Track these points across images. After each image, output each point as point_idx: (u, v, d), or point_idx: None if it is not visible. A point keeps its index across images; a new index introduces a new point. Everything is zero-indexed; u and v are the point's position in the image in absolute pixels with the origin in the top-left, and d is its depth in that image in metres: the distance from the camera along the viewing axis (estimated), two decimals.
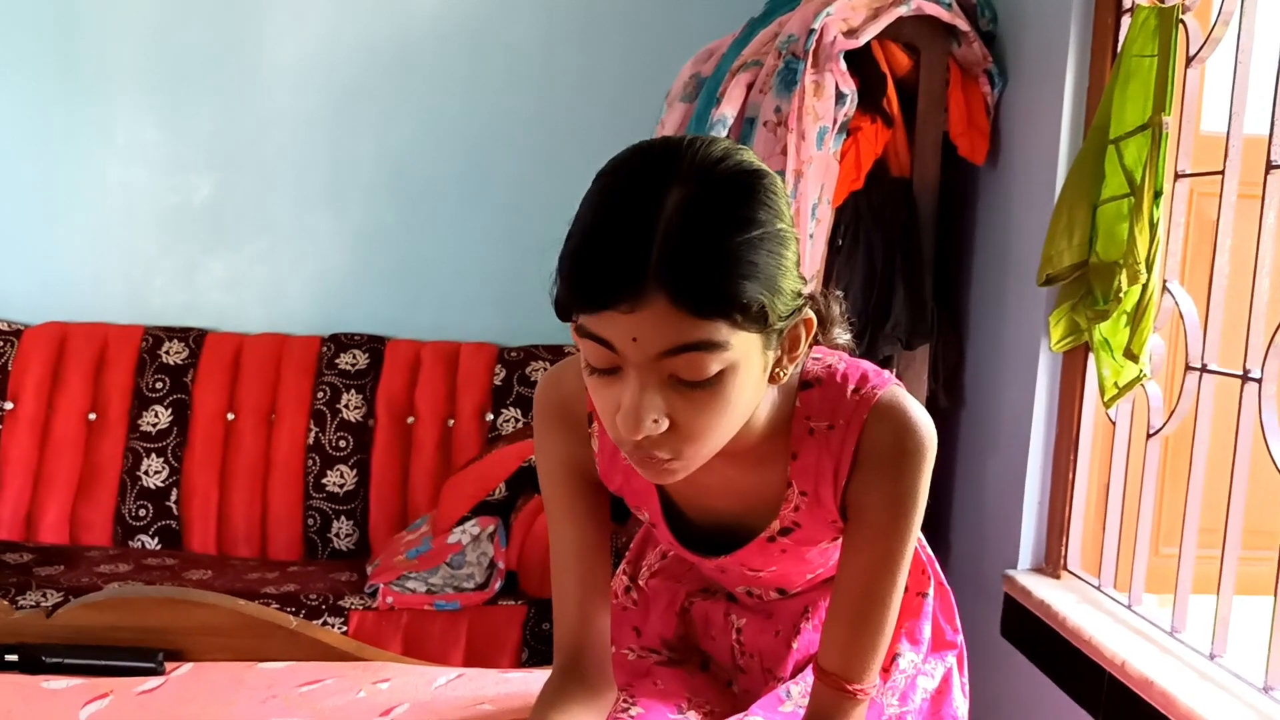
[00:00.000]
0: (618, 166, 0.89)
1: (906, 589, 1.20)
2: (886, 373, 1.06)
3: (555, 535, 1.14)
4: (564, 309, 0.87)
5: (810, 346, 0.98)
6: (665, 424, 0.88)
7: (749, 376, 0.89)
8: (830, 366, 1.04)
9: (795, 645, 1.20)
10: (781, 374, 0.94)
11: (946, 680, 1.25)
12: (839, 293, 1.08)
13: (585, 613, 1.13)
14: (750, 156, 0.90)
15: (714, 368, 0.85)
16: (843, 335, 1.06)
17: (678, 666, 1.24)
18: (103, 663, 1.53)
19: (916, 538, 1.07)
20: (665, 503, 1.13)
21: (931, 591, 1.26)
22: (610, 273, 0.83)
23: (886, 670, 1.19)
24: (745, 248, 0.84)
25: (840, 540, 1.08)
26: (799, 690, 1.16)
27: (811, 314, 0.94)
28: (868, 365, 1.06)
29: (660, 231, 0.82)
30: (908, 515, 1.02)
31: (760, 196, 0.86)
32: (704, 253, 0.82)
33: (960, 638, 1.29)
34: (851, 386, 1.02)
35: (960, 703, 1.25)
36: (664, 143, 0.89)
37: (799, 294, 0.91)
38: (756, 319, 0.85)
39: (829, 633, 1.07)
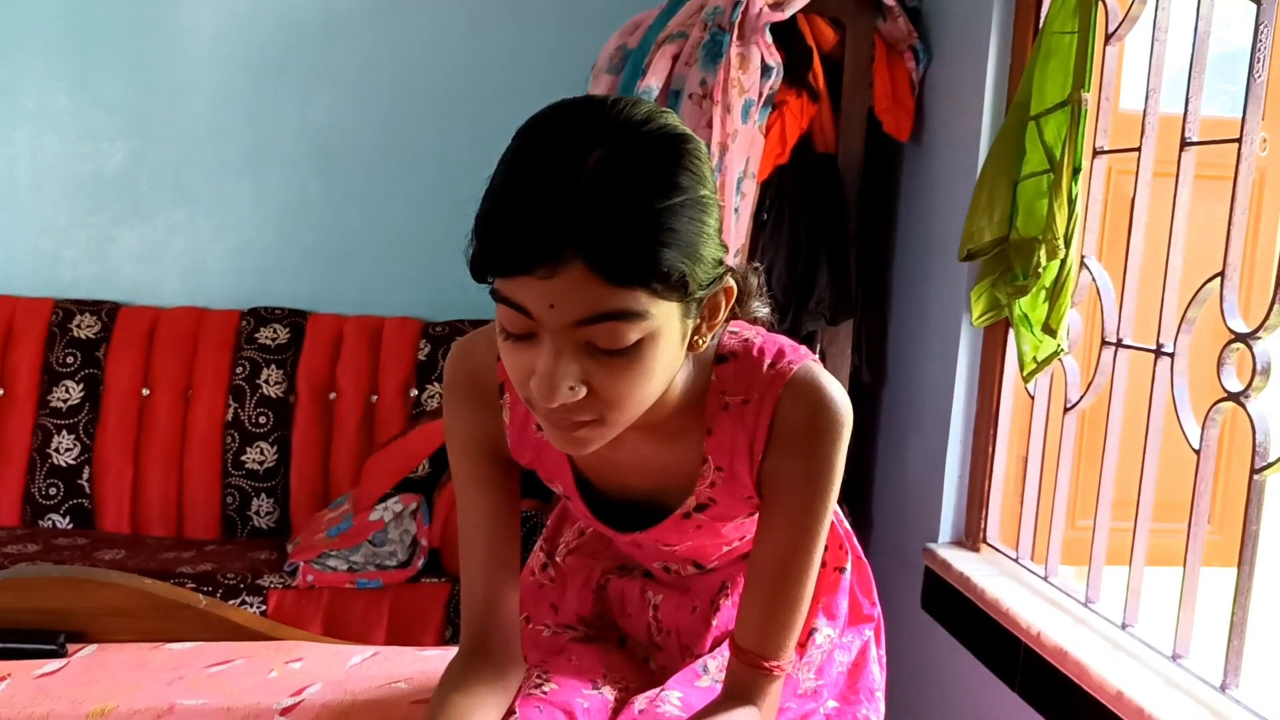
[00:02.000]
0: (537, 123, 0.85)
1: (824, 564, 1.20)
2: (803, 348, 1.05)
3: (463, 512, 1.11)
4: (479, 270, 0.84)
5: (729, 317, 0.96)
6: (582, 391, 0.85)
7: (668, 344, 0.87)
8: (747, 341, 1.03)
9: (714, 622, 1.19)
10: (700, 342, 0.92)
11: (863, 653, 1.25)
12: (758, 265, 1.07)
13: (492, 591, 1.10)
14: (675, 120, 0.87)
15: (632, 337, 0.83)
16: (761, 309, 1.05)
17: (593, 643, 1.23)
18: (1, 645, 1.47)
19: (832, 514, 1.06)
20: (579, 478, 1.11)
21: (849, 566, 1.26)
22: (527, 236, 0.80)
23: (803, 645, 1.19)
24: (667, 214, 0.81)
25: (756, 516, 1.08)
26: (715, 665, 1.15)
27: (732, 283, 0.93)
28: (785, 340, 1.04)
29: (580, 194, 0.79)
30: (823, 492, 1.01)
31: (684, 161, 0.84)
32: (625, 218, 0.80)
33: (878, 610, 1.29)
34: (768, 361, 1.01)
35: (877, 675, 1.25)
36: (587, 101, 0.86)
37: (720, 262, 0.88)
38: (676, 288, 0.83)
39: (745, 610, 1.06)
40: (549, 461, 1.10)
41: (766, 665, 1.04)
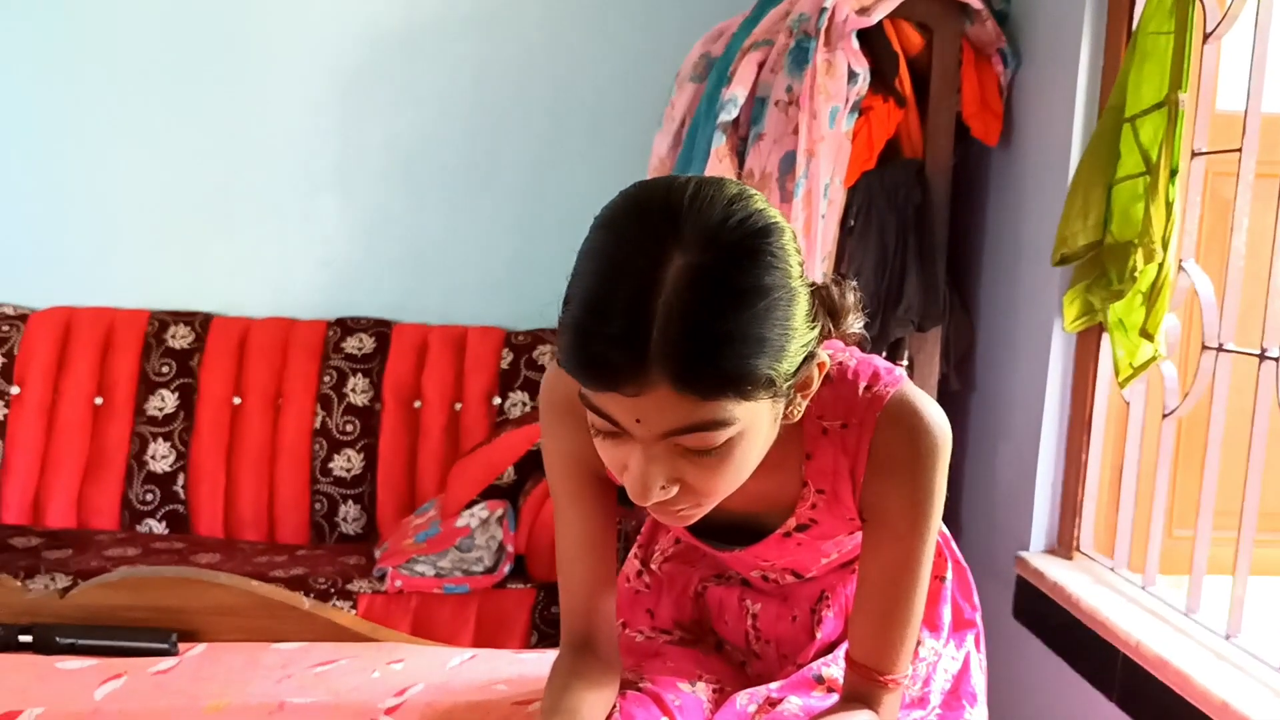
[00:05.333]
0: (613, 221, 0.84)
1: None
2: (897, 370, 1.04)
3: (562, 527, 1.12)
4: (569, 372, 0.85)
5: (824, 337, 0.95)
6: (674, 490, 0.87)
7: (758, 436, 0.88)
8: (841, 364, 1.03)
9: (818, 635, 1.19)
10: (794, 414, 0.93)
11: (966, 660, 1.25)
12: (853, 281, 1.06)
13: (593, 603, 1.12)
14: (758, 204, 0.85)
15: (721, 439, 0.84)
16: (856, 324, 1.03)
17: (691, 646, 1.24)
18: (117, 643, 1.52)
19: (937, 533, 1.06)
20: None
21: (950, 574, 1.26)
22: (611, 356, 0.80)
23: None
24: (751, 323, 0.80)
25: (856, 536, 1.08)
26: (829, 674, 1.15)
27: (824, 358, 0.92)
28: (879, 362, 1.04)
29: (660, 312, 0.78)
30: (927, 515, 1.01)
31: (766, 259, 0.82)
32: (707, 336, 0.79)
33: (979, 615, 1.29)
34: (863, 384, 1.01)
35: (979, 678, 1.25)
36: (664, 199, 0.84)
37: (808, 344, 0.87)
38: (764, 388, 0.83)
39: (856, 628, 1.07)
40: None
41: (882, 679, 1.05)
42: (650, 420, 0.82)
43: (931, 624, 1.22)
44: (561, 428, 1.09)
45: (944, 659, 1.22)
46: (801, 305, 0.86)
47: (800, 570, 1.19)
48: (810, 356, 0.88)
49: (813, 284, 0.92)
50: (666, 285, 0.79)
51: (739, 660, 1.26)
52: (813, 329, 0.88)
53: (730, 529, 1.11)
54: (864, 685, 1.06)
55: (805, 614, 1.21)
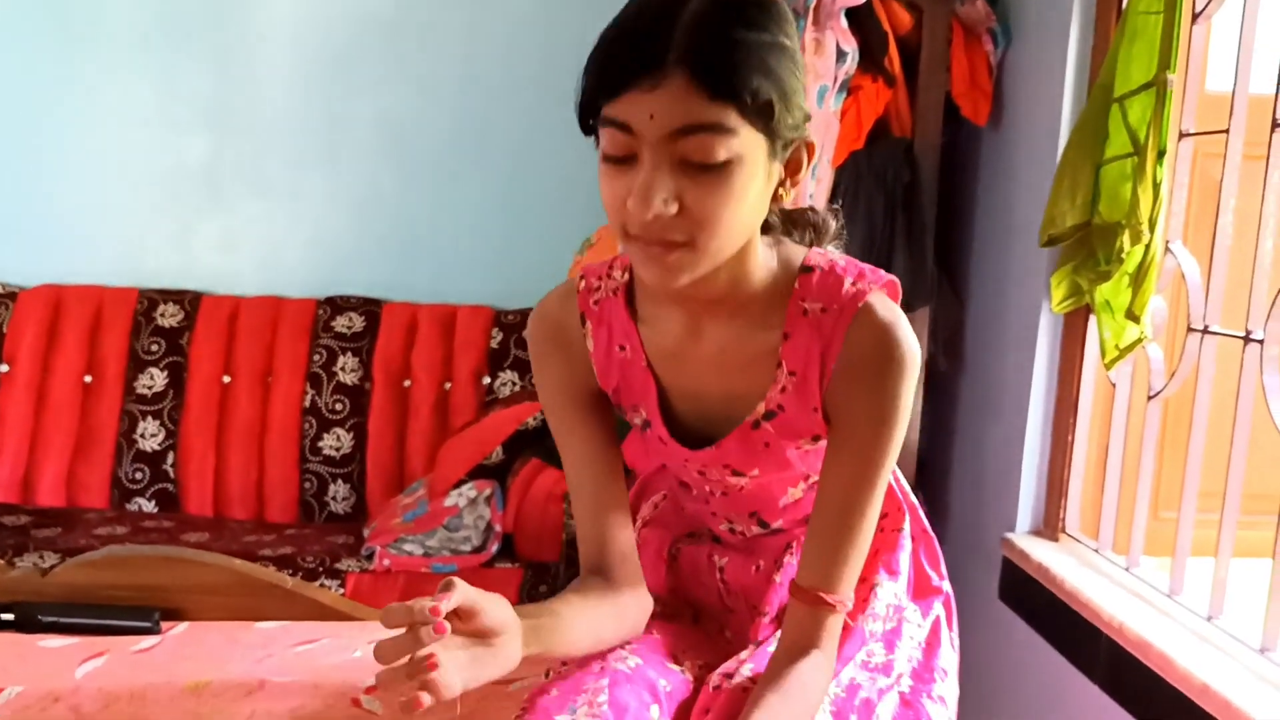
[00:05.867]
0: None
1: (881, 526, 1.21)
2: (887, 275, 1.08)
3: (566, 459, 1.16)
4: (588, 103, 0.93)
5: (797, 183, 1.02)
6: (674, 207, 0.92)
7: (754, 176, 0.94)
8: (832, 261, 1.07)
9: (778, 579, 1.20)
10: (784, 194, 1.00)
11: (935, 631, 1.25)
12: (837, 207, 1.15)
13: (602, 529, 1.13)
14: None
15: (722, 153, 0.91)
16: (835, 251, 1.10)
17: (671, 621, 1.25)
18: (99, 621, 1.52)
19: (897, 454, 1.08)
20: (660, 397, 1.14)
21: (907, 527, 1.27)
22: (634, 53, 0.90)
23: (864, 600, 1.19)
24: (760, 48, 0.91)
25: (819, 444, 1.10)
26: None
27: (814, 139, 1.00)
28: (868, 267, 1.08)
29: (684, 20, 0.89)
30: (889, 427, 1.03)
31: (778, 16, 0.93)
32: (723, 41, 0.90)
33: (947, 584, 1.29)
34: (850, 279, 1.05)
35: (950, 656, 1.25)
36: None
37: (805, 117, 0.97)
38: (764, 113, 0.91)
39: (807, 549, 1.08)
40: (633, 380, 1.13)
41: (827, 599, 1.06)
42: (663, 115, 0.90)
43: (890, 568, 1.23)
44: (552, 358, 1.15)
45: (910, 625, 1.23)
46: (801, 74, 0.96)
47: (765, 513, 1.21)
48: (802, 129, 0.97)
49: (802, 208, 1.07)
50: (691, 4, 0.91)
51: (717, 628, 1.27)
52: (805, 110, 0.98)
53: (704, 431, 1.13)
54: (806, 614, 1.06)
55: (770, 564, 1.22)
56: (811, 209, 1.10)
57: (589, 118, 0.95)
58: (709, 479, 1.18)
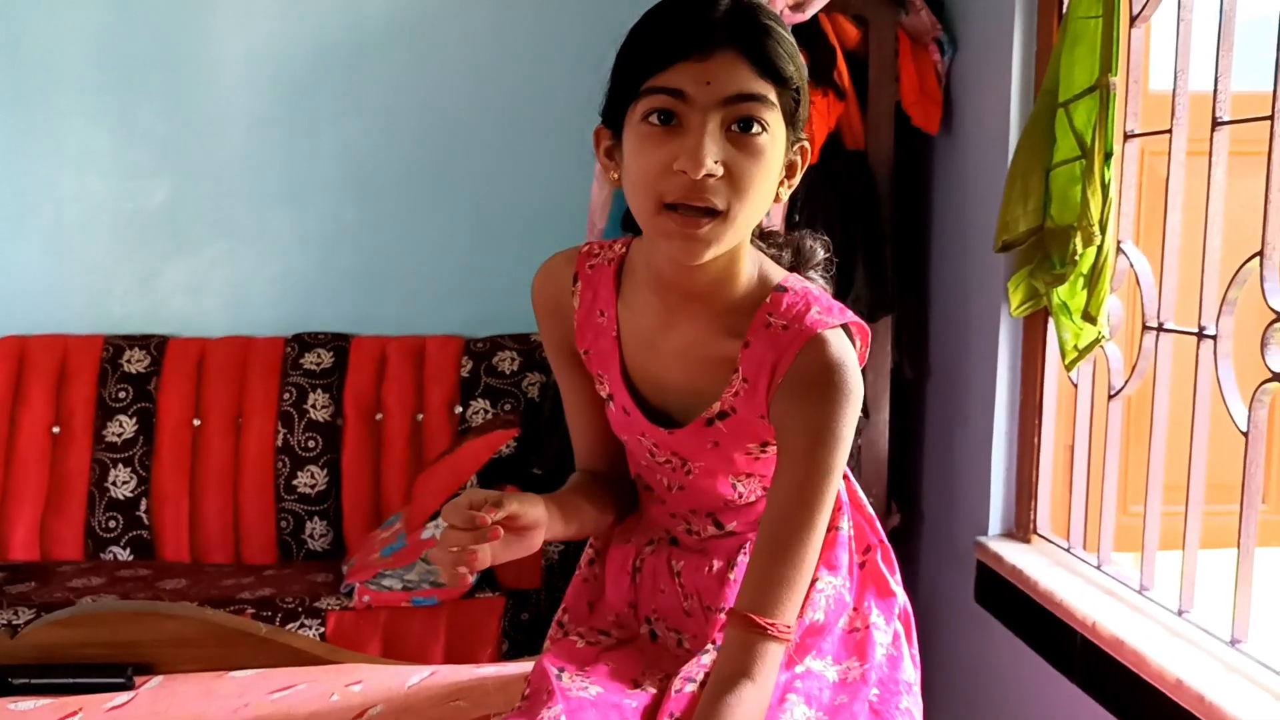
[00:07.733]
0: None
1: None
2: (855, 318, 1.13)
3: (565, 398, 1.32)
4: (629, 81, 1.03)
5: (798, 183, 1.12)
6: (721, 170, 1.00)
7: (777, 158, 1.04)
8: (808, 289, 1.13)
9: (732, 576, 1.22)
10: (783, 192, 1.08)
11: (896, 644, 1.26)
12: (826, 239, 1.24)
13: (595, 445, 1.31)
14: None
15: (764, 124, 1.01)
16: (816, 279, 1.17)
17: (627, 646, 1.26)
18: (71, 680, 1.51)
19: (837, 479, 1.10)
20: (625, 373, 1.20)
21: (846, 524, 1.27)
22: (687, 29, 1.01)
23: (806, 600, 1.20)
24: (788, 43, 1.04)
25: (768, 451, 1.16)
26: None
27: (808, 145, 1.10)
28: (840, 305, 1.13)
29: (725, 4, 1.01)
30: (826, 449, 1.07)
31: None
32: (763, 29, 1.02)
33: (903, 595, 1.30)
34: (818, 307, 1.10)
35: (911, 670, 1.26)
36: None
37: (806, 111, 1.08)
38: (792, 99, 1.03)
39: (747, 573, 1.11)
40: (602, 348, 1.22)
41: (762, 623, 1.06)
42: (718, 82, 1.00)
43: (829, 564, 1.24)
44: (549, 318, 1.27)
45: (878, 630, 1.24)
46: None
47: (719, 514, 1.24)
48: (802, 129, 1.08)
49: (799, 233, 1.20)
50: None
51: (675, 641, 1.28)
52: (808, 112, 1.10)
53: (663, 413, 1.20)
54: (740, 639, 1.06)
55: (724, 564, 1.24)
56: (809, 232, 1.21)
57: (627, 99, 1.03)
58: (657, 461, 1.23)
